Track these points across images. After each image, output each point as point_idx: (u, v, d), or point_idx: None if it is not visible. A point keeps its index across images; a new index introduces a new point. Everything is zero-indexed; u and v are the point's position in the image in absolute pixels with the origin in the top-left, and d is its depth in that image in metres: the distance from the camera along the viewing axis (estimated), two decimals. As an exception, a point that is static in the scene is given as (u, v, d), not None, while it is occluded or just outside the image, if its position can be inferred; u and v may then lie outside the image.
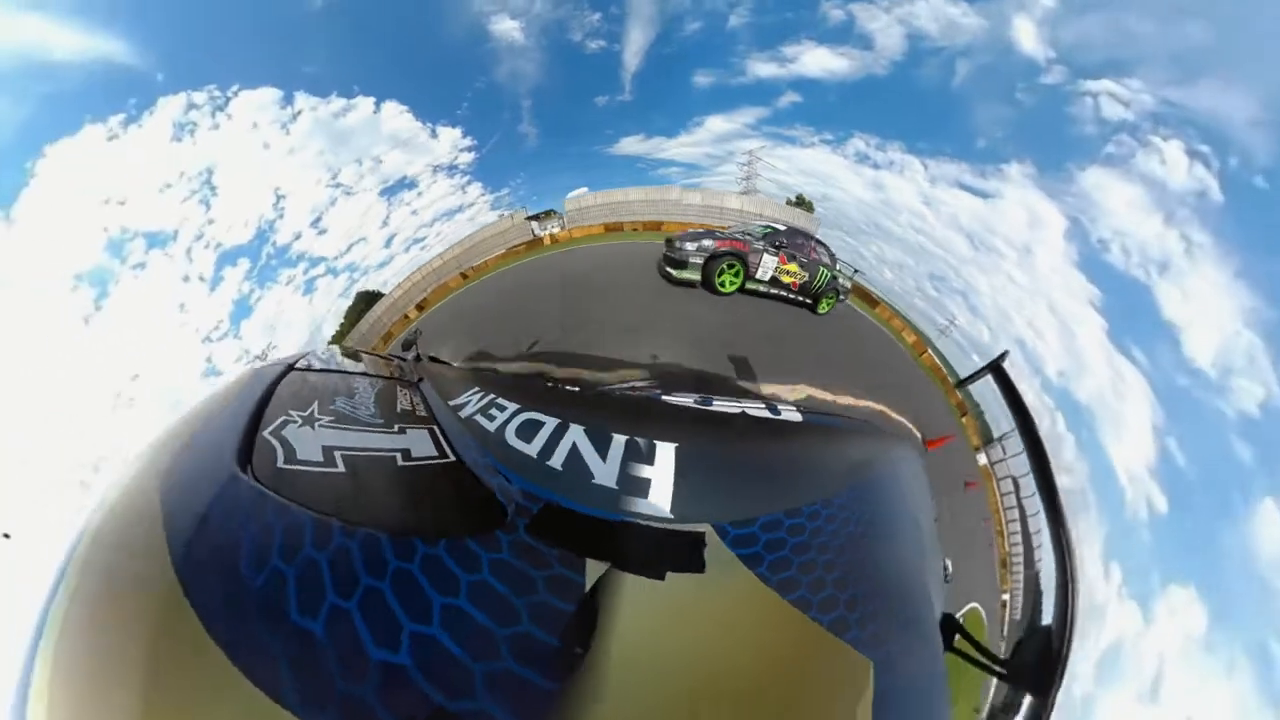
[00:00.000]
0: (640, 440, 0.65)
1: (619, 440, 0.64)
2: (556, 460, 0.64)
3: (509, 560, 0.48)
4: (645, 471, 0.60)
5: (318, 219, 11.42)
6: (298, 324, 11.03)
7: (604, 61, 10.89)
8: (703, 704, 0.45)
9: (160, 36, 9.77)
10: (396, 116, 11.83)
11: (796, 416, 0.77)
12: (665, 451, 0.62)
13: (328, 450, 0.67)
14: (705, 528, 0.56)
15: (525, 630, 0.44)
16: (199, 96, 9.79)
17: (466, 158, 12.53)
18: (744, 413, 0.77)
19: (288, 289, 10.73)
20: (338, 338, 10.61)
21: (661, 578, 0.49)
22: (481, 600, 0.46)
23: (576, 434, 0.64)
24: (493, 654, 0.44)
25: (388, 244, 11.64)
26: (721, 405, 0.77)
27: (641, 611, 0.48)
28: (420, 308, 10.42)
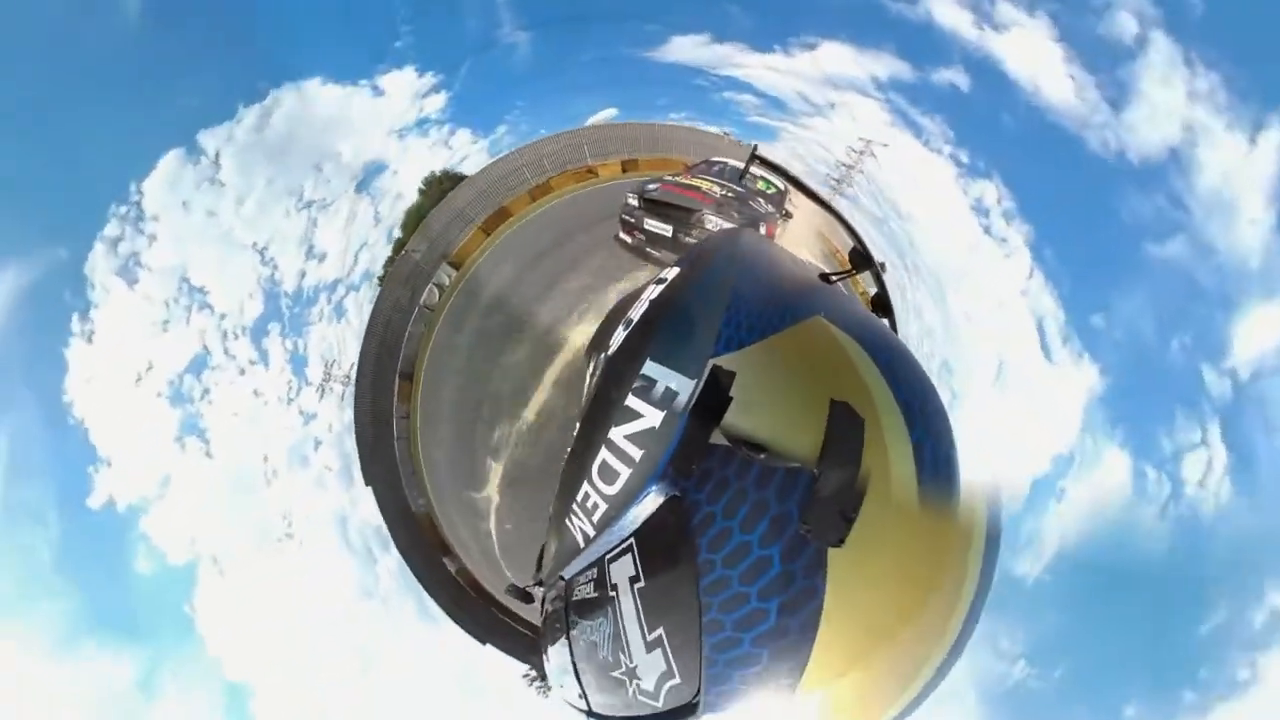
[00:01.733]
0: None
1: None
2: None
3: None
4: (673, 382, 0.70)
5: (310, 248, 10.23)
6: (348, 345, 11.04)
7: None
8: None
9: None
10: (321, 91, 9.00)
11: (673, 270, 0.93)
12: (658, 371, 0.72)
13: None
14: (709, 366, 0.67)
15: None
16: (111, 228, 8.26)
17: (435, 102, 9.95)
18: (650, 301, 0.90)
19: (322, 324, 10.40)
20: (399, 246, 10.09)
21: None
22: None
23: None
24: None
25: (389, 239, 10.60)
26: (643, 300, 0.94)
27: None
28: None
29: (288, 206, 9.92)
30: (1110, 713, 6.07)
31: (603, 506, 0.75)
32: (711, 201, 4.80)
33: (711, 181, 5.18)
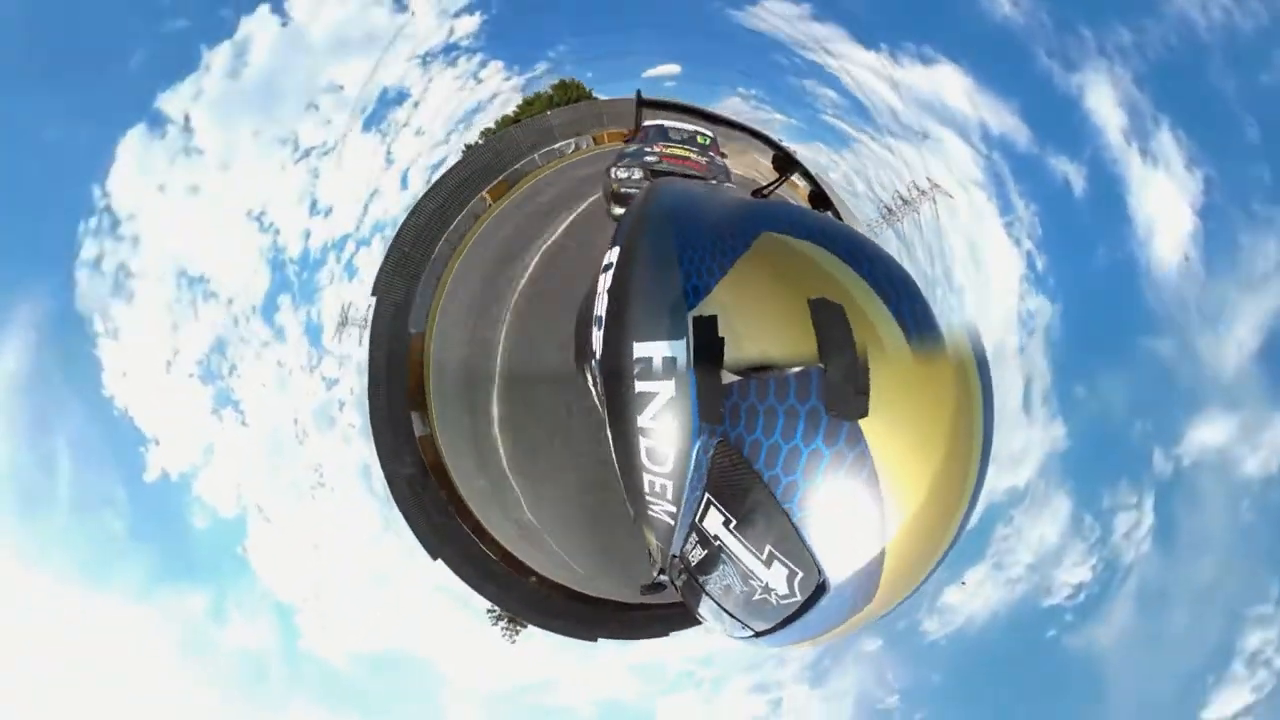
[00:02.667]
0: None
1: None
2: None
3: None
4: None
5: (313, 204, 9.20)
6: (360, 304, 10.84)
7: None
8: None
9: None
10: (319, 9, 7.19)
11: (613, 251, 0.94)
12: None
13: None
14: (676, 293, 0.74)
15: None
16: (89, 249, 6.96)
17: (467, 25, 8.26)
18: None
19: (334, 286, 9.94)
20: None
21: None
22: None
23: None
24: None
25: (405, 183, 9.48)
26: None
27: None
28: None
29: (282, 159, 8.08)
30: None
31: (669, 484, 0.81)
32: (703, 168, 5.02)
33: (680, 147, 5.34)
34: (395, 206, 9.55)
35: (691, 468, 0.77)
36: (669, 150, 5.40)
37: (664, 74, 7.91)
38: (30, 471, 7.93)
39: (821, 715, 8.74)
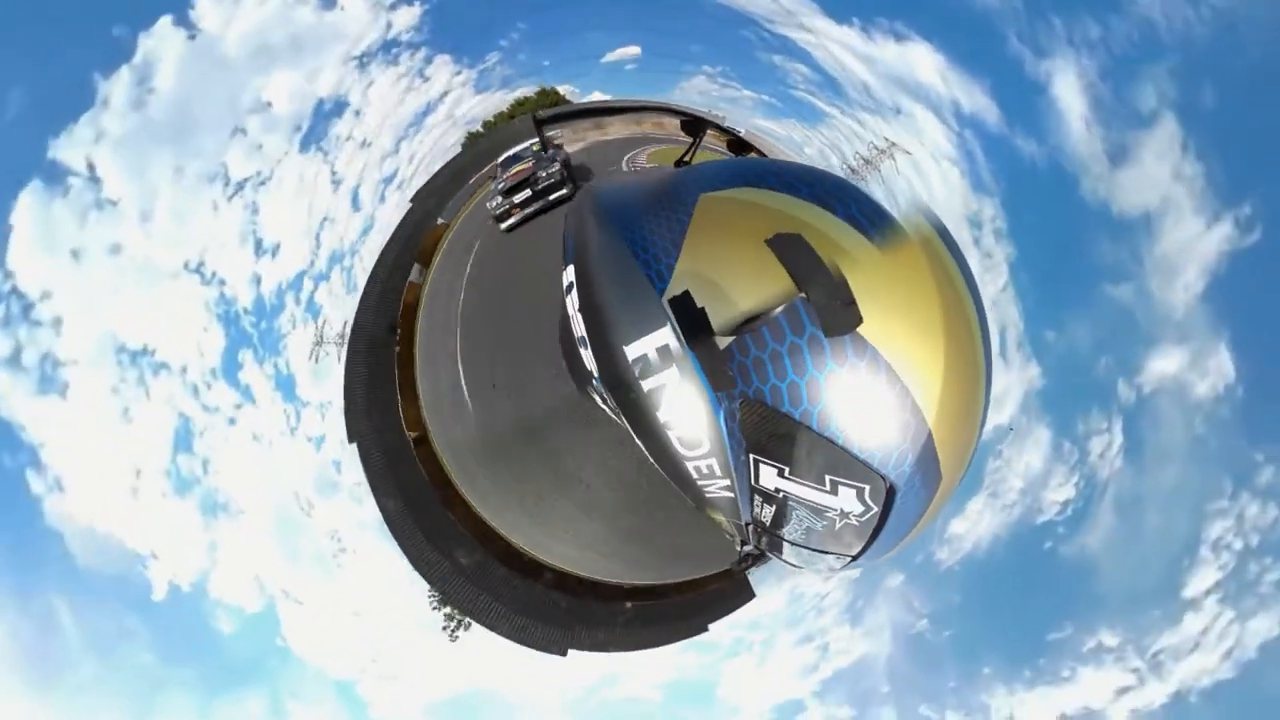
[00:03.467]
0: None
1: None
2: None
3: None
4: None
5: (257, 243, 8.30)
6: (331, 350, 10.18)
7: None
8: None
9: None
10: (232, 16, 6.44)
11: (569, 269, 0.96)
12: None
13: None
14: (643, 285, 0.78)
15: None
16: (3, 344, 5.66)
17: (406, 17, 7.57)
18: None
19: (298, 330, 9.05)
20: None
21: None
22: None
23: None
24: None
25: (355, 203, 8.59)
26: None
27: None
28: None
29: (213, 198, 6.98)
30: (972, 666, 9.47)
31: (712, 461, 0.83)
32: (531, 169, 5.92)
33: (519, 164, 6.20)
34: (351, 231, 8.54)
35: (726, 438, 0.79)
36: (511, 170, 6.14)
37: (624, 57, 7.46)
38: (34, 638, 6.98)
39: (866, 648, 9.67)
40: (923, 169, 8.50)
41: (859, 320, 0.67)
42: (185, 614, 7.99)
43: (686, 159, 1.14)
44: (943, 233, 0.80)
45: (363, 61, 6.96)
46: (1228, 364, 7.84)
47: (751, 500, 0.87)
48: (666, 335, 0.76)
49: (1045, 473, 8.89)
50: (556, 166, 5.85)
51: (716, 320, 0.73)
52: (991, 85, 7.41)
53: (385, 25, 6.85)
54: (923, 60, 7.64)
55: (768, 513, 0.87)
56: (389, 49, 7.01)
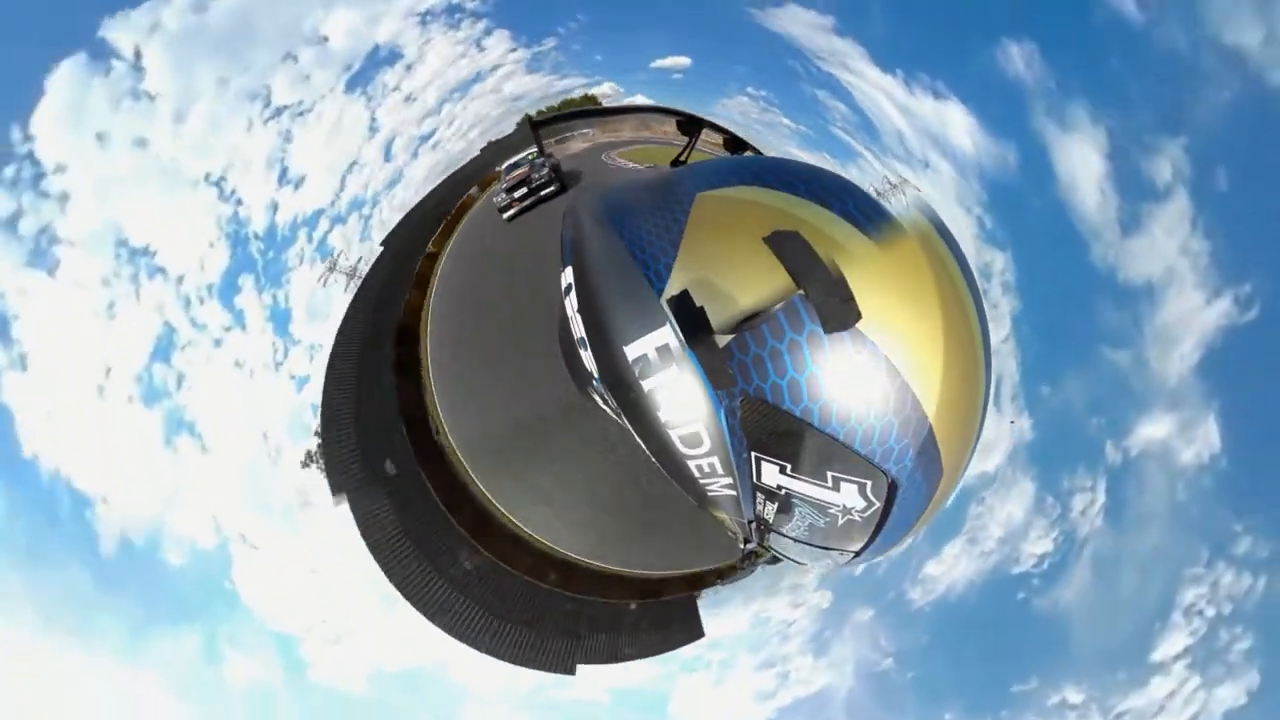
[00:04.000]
0: None
1: None
2: None
3: None
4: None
5: (283, 172, 8.21)
6: (335, 293, 9.91)
7: None
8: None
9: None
10: None
11: (567, 271, 0.95)
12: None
13: None
14: (641, 286, 0.75)
15: None
16: (2, 201, 5.73)
17: None
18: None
19: (304, 268, 8.84)
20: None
21: None
22: None
23: None
24: None
25: (388, 154, 8.40)
26: None
27: None
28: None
29: (250, 116, 6.93)
30: (933, 711, 9.45)
31: (714, 460, 0.82)
32: (526, 170, 6.44)
33: (518, 170, 6.72)
34: (377, 181, 8.55)
35: (728, 436, 0.78)
36: (512, 174, 6.76)
37: (673, 66, 7.70)
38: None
39: (827, 680, 9.38)
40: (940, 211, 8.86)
41: (858, 316, 0.66)
42: (134, 560, 7.56)
43: (682, 158, 1.13)
44: (940, 228, 0.80)
45: (425, 19, 7.11)
46: (1215, 434, 8.06)
47: (754, 498, 0.85)
48: (666, 335, 0.74)
49: (1026, 524, 9.09)
50: (546, 170, 6.71)
51: (716, 319, 0.72)
52: (1017, 149, 7.81)
53: (452, -13, 7.07)
54: (956, 120, 7.96)
55: (770, 510, 0.86)
56: (453, 13, 7.18)
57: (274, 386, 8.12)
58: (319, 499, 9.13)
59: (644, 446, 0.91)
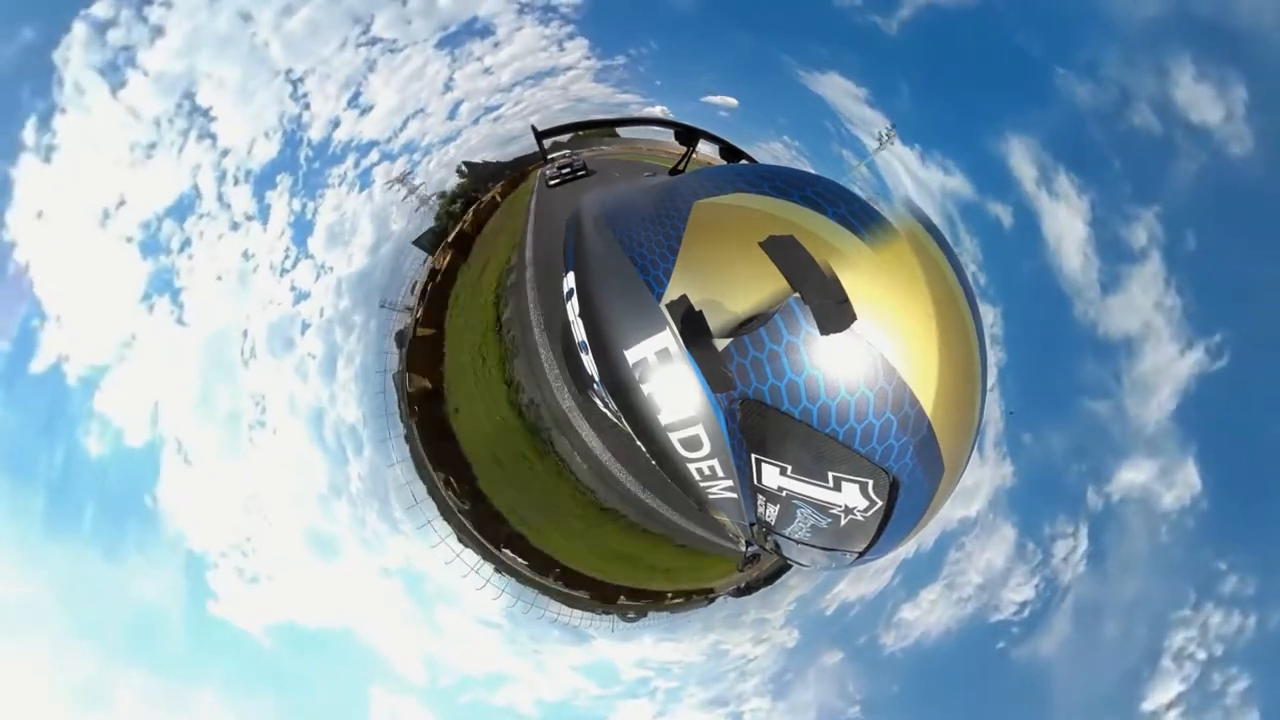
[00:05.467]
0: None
1: None
2: None
3: None
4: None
5: (355, 95, 8.59)
6: (362, 224, 9.84)
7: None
8: None
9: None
10: None
11: (569, 275, 0.98)
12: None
13: None
14: (641, 290, 0.77)
15: None
16: (101, 7, 5.89)
17: None
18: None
19: (341, 190, 8.70)
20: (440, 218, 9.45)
21: None
22: None
23: None
24: None
25: (452, 114, 8.91)
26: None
27: None
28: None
29: (346, 35, 7.51)
30: None
31: (714, 463, 0.83)
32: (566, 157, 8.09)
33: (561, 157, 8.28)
34: (433, 134, 9.17)
35: (727, 439, 0.80)
36: (556, 161, 8.65)
37: (721, 104, 8.77)
38: None
39: None
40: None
41: (853, 318, 0.68)
42: (53, 406, 6.78)
43: (681, 166, 1.19)
44: (932, 229, 0.83)
45: (523, 9, 8.08)
46: (1194, 477, 8.21)
47: (755, 500, 0.87)
48: (665, 339, 0.77)
49: (1006, 571, 8.90)
50: (579, 159, 8.44)
51: (714, 322, 0.73)
52: (1012, 216, 8.89)
53: (553, -10, 8.32)
54: (959, 190, 8.79)
55: (772, 512, 0.87)
56: (547, 10, 8.17)
57: (272, 290, 8.02)
58: (275, 420, 8.50)
59: (644, 449, 0.93)
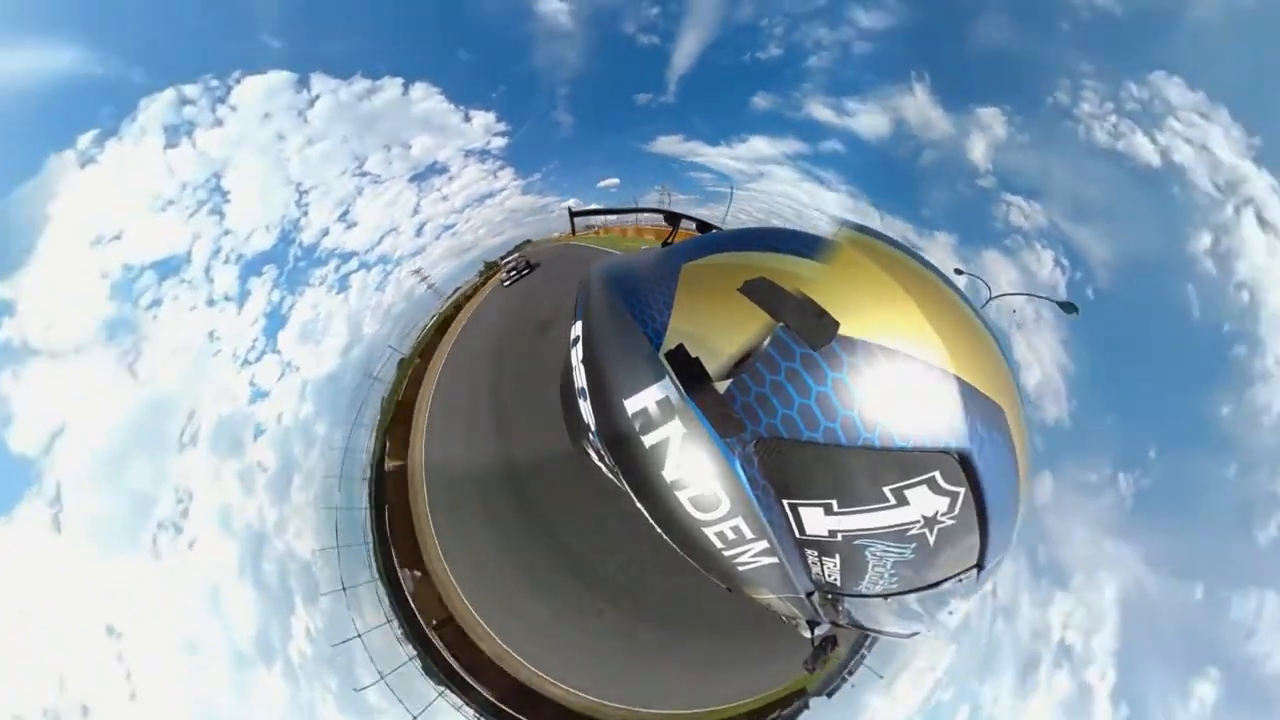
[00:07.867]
0: None
1: None
2: None
3: None
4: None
5: (345, 212, 10.42)
6: (336, 324, 10.06)
7: (652, 58, 11.06)
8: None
9: (128, 26, 7.35)
10: (427, 99, 10.98)
11: (576, 325, 1.03)
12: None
13: None
14: (641, 342, 0.81)
15: None
16: (192, 90, 7.85)
17: (499, 142, 12.49)
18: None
19: (320, 290, 9.72)
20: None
21: None
22: None
23: None
24: None
25: (419, 232, 11.24)
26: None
27: None
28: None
29: (346, 166, 10.05)
30: None
31: (738, 522, 0.77)
32: (515, 258, 12.08)
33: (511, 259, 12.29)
34: (403, 248, 11.33)
35: (749, 490, 0.74)
36: (508, 263, 12.38)
37: (608, 185, 12.86)
38: None
39: None
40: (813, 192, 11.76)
41: (835, 324, 0.68)
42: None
43: (669, 241, 1.27)
44: (867, 230, 0.87)
45: (467, 153, 10.97)
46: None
47: (804, 559, 0.78)
48: (665, 387, 0.75)
49: None
50: (522, 259, 11.86)
51: (712, 366, 0.73)
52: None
53: (487, 140, 11.17)
54: (759, 144, 11.84)
55: (832, 567, 0.78)
56: (483, 153, 11.23)
57: (229, 381, 8.24)
58: (197, 529, 7.38)
59: (649, 516, 0.88)
